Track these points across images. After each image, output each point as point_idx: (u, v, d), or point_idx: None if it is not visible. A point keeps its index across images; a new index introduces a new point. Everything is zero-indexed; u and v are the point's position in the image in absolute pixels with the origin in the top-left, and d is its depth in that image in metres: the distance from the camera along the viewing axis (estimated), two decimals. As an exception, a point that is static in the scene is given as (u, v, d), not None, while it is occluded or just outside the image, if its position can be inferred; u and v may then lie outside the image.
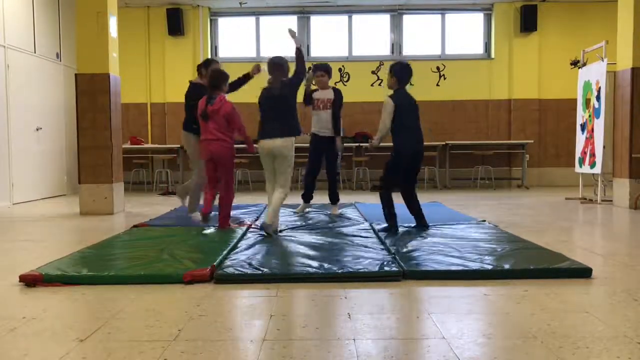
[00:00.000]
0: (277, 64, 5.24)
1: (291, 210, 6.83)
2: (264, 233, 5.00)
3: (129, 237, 5.01)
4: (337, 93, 6.54)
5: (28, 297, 3.21)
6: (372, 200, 8.45)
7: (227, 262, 3.83)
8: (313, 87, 6.56)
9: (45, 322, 2.75)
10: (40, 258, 4.20)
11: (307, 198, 6.76)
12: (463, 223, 5.68)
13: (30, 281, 3.43)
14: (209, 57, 11.36)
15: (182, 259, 3.93)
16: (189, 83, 6.44)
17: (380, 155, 10.92)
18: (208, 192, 5.50)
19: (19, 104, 8.68)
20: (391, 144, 5.29)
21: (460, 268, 3.63)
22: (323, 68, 6.58)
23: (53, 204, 8.65)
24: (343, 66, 11.25)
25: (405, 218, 5.51)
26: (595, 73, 8.07)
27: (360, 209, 6.97)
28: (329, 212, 6.68)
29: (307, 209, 6.84)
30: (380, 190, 5.34)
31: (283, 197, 5.10)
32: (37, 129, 9.21)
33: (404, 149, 5.21)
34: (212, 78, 5.49)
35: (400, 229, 5.21)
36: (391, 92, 5.41)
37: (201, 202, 5.87)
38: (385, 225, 5.30)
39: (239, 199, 7.50)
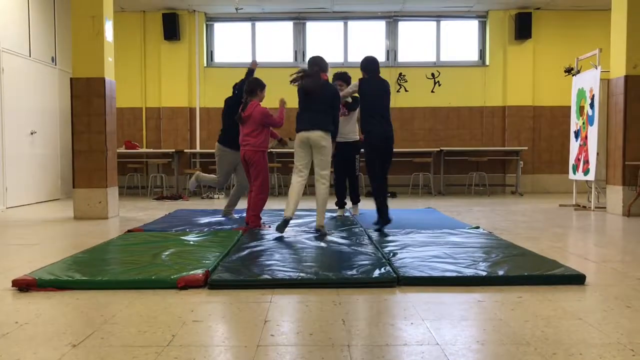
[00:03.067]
0: (316, 62, 5.55)
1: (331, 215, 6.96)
2: (319, 235, 5.29)
3: (123, 242, 5.00)
4: (354, 100, 6.74)
5: (21, 302, 3.19)
6: (367, 206, 8.45)
7: (221, 268, 3.82)
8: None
9: (38, 327, 2.73)
10: (33, 262, 4.18)
11: (341, 204, 7.07)
12: (457, 229, 5.69)
13: (23, 286, 3.42)
14: (205, 62, 11.38)
15: (176, 264, 3.92)
16: (225, 101, 6.88)
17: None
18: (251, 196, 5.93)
19: (14, 107, 8.66)
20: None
21: (454, 274, 3.64)
22: (342, 77, 6.86)
23: (47, 208, 8.61)
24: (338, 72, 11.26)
25: (402, 223, 5.51)
26: (589, 80, 8.11)
27: (356, 214, 6.97)
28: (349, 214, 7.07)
29: (345, 213, 7.08)
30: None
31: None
32: (32, 133, 9.19)
33: (370, 137, 5.65)
34: (249, 85, 5.97)
35: (395, 235, 5.21)
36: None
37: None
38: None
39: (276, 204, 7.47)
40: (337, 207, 7.09)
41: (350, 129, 6.79)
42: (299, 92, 5.45)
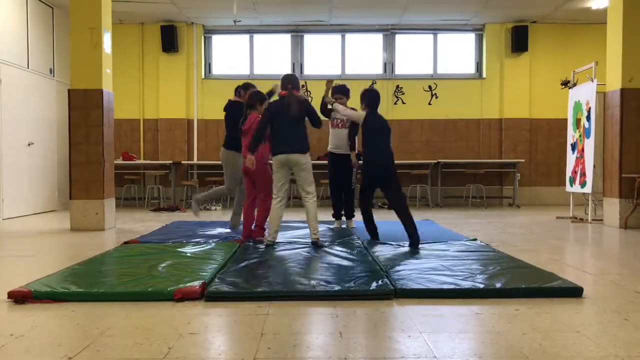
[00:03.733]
0: (290, 80, 5.59)
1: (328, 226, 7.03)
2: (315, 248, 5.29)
3: (119, 253, 4.98)
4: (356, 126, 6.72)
5: (16, 314, 3.18)
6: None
7: (218, 280, 3.80)
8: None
9: (34, 339, 2.72)
10: (29, 274, 4.16)
11: (337, 215, 7.06)
12: (455, 241, 5.69)
13: (19, 297, 3.40)
14: (203, 74, 11.42)
15: (172, 276, 3.91)
16: (228, 101, 6.89)
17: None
18: (247, 206, 5.99)
19: (12, 118, 8.66)
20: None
21: (452, 287, 3.64)
22: (341, 90, 6.90)
23: (44, 219, 8.59)
24: (336, 84, 11.30)
25: (399, 235, 5.50)
26: (585, 93, 8.16)
27: (353, 227, 6.96)
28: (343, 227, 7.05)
29: (342, 225, 7.08)
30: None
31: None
32: (29, 144, 9.18)
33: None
34: (249, 98, 6.01)
35: (392, 247, 5.21)
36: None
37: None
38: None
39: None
40: (334, 219, 7.09)
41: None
42: (267, 113, 5.50)
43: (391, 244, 5.44)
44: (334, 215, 7.09)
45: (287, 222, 7.51)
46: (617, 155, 7.46)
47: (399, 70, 11.56)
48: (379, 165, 5.64)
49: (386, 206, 10.59)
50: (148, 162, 11.04)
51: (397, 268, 4.20)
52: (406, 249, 5.16)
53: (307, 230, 6.62)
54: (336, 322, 3.00)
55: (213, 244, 5.42)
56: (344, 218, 7.08)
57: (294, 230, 6.68)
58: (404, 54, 11.61)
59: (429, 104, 11.40)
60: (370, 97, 5.95)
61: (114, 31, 7.78)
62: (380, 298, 3.47)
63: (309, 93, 11.29)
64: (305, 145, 5.46)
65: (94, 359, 2.44)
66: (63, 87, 9.95)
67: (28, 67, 9.21)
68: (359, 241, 5.72)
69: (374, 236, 5.84)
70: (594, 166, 7.87)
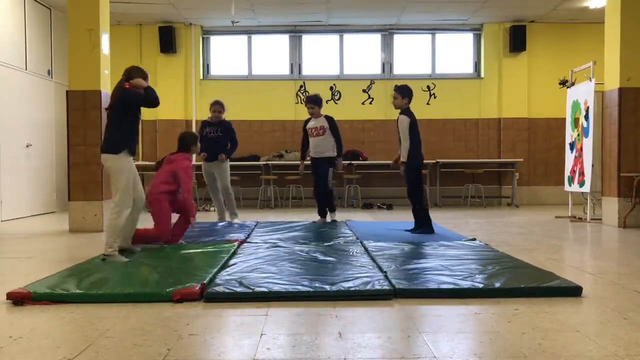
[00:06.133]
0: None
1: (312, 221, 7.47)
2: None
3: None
4: (330, 120, 7.34)
5: (15, 316, 3.17)
6: (364, 217, 8.46)
7: (217, 281, 3.80)
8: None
9: (33, 341, 2.71)
10: (28, 275, 4.15)
11: (321, 213, 7.52)
12: (454, 241, 5.68)
13: (18, 299, 3.39)
14: (201, 75, 11.41)
15: (171, 277, 3.90)
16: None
17: (372, 173, 10.97)
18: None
19: (9, 120, 8.64)
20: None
21: (451, 287, 3.63)
22: (311, 101, 7.40)
23: (42, 220, 8.58)
24: (334, 85, 11.32)
25: (398, 235, 5.49)
26: (583, 93, 8.16)
27: (352, 227, 6.96)
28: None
29: (324, 223, 7.44)
30: (417, 206, 6.34)
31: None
32: (27, 146, 9.17)
33: (420, 159, 6.33)
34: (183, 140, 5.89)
35: (392, 247, 5.21)
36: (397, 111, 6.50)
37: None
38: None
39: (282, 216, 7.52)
40: (319, 217, 7.52)
41: (327, 147, 7.30)
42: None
43: (391, 244, 5.43)
44: (319, 213, 7.53)
45: (288, 222, 7.52)
46: (616, 155, 7.47)
47: (397, 70, 11.56)
48: (422, 159, 6.36)
49: (385, 206, 10.59)
50: (146, 163, 11.02)
51: (396, 268, 4.20)
52: (406, 249, 5.16)
53: (307, 231, 6.64)
54: (335, 323, 3.00)
55: (212, 245, 5.41)
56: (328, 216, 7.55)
57: (294, 231, 6.67)
58: (402, 54, 11.62)
59: (427, 104, 11.40)
60: (409, 90, 6.41)
61: (112, 32, 7.77)
62: (379, 298, 3.47)
63: (307, 93, 11.30)
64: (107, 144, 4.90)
65: (93, 360, 2.44)
66: (61, 89, 9.93)
67: (26, 69, 9.19)
68: (358, 241, 5.71)
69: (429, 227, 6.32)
70: (593, 165, 7.88)
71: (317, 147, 7.34)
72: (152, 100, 4.89)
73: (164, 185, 5.38)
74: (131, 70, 4.95)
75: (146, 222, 5.52)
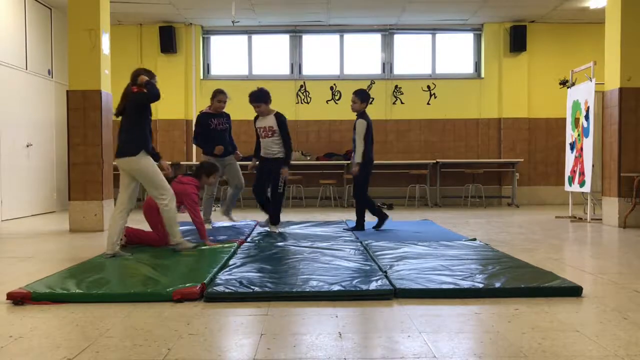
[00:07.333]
0: None
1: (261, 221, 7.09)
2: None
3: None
4: (278, 118, 6.39)
5: (15, 316, 3.17)
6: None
7: (217, 280, 3.80)
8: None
9: (33, 341, 2.71)
10: (28, 275, 4.15)
11: (265, 210, 6.75)
12: (454, 241, 5.68)
13: (18, 299, 3.39)
14: (201, 74, 11.41)
15: (171, 277, 3.90)
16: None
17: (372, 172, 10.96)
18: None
19: (10, 120, 8.65)
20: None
21: (451, 286, 3.63)
22: (253, 99, 6.39)
23: (42, 220, 8.58)
24: (335, 85, 11.32)
25: (398, 235, 5.49)
26: (583, 93, 8.16)
27: (351, 227, 6.96)
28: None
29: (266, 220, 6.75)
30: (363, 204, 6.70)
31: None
32: (28, 145, 9.17)
33: (372, 160, 6.65)
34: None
35: (392, 247, 5.21)
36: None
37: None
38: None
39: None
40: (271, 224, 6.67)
41: (278, 148, 6.33)
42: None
43: (391, 244, 5.43)
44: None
45: (288, 222, 7.51)
46: (616, 155, 7.47)
47: (398, 70, 11.56)
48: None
49: (386, 206, 10.59)
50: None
51: (397, 268, 4.20)
52: (406, 248, 5.15)
53: (307, 230, 6.65)
54: (336, 322, 3.00)
55: (213, 245, 5.40)
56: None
57: (294, 230, 6.67)
58: (403, 54, 11.62)
59: (428, 104, 11.40)
60: (367, 96, 6.77)
61: (112, 32, 7.77)
62: (379, 298, 3.47)
63: (307, 93, 11.30)
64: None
65: (94, 360, 2.44)
66: (61, 89, 9.94)
67: (26, 69, 9.20)
68: (358, 241, 5.72)
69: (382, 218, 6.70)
70: (593, 165, 7.87)
71: (267, 148, 6.42)
72: (153, 94, 4.90)
73: None
74: (138, 73, 5.01)
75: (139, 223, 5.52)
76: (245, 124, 11.13)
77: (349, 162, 10.67)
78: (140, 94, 4.90)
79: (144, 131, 4.95)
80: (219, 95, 6.92)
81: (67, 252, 5.60)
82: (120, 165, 4.93)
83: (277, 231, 6.54)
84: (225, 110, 7.11)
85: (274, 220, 6.60)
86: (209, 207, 7.05)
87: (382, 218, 6.74)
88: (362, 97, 6.66)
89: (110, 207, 7.44)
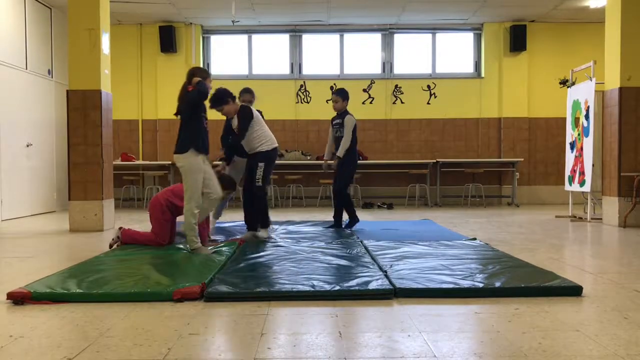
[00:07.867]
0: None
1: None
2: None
3: (118, 254, 4.97)
4: (238, 112, 5.87)
5: (15, 315, 3.17)
6: (364, 217, 8.45)
7: (218, 280, 3.80)
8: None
9: (33, 340, 2.71)
10: (28, 275, 4.15)
11: (249, 224, 6.14)
12: (454, 241, 5.69)
13: (18, 298, 3.39)
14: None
15: (171, 276, 3.90)
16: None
17: (372, 172, 10.96)
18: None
19: (10, 120, 8.65)
20: None
21: (451, 286, 3.63)
22: (214, 103, 5.90)
23: (42, 220, 8.58)
24: (335, 84, 11.30)
25: (398, 235, 5.49)
26: (583, 92, 8.16)
27: (346, 224, 6.96)
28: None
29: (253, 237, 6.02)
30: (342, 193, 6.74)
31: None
32: (28, 145, 9.17)
33: (357, 158, 6.90)
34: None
35: (392, 246, 5.21)
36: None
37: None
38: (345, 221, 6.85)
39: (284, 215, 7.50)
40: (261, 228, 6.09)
41: (254, 143, 5.83)
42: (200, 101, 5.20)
43: (391, 244, 5.43)
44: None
45: (288, 222, 7.52)
46: (616, 154, 7.47)
47: (398, 69, 11.56)
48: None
49: (385, 206, 10.60)
50: (147, 162, 11.03)
51: (397, 268, 4.20)
52: (406, 248, 5.15)
53: (307, 230, 6.65)
54: (336, 322, 3.00)
55: (213, 245, 5.41)
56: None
57: (294, 230, 6.67)
58: (403, 53, 11.62)
59: (428, 103, 11.40)
60: (348, 95, 6.83)
61: (112, 32, 7.77)
62: (379, 298, 3.47)
63: (307, 93, 11.30)
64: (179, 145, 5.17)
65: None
66: (61, 88, 9.94)
67: (26, 68, 9.19)
68: (358, 241, 5.71)
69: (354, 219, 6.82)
70: (593, 165, 7.87)
71: (247, 145, 5.92)
72: (200, 92, 5.05)
73: (175, 197, 5.40)
74: (193, 72, 5.20)
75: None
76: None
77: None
78: (189, 92, 5.07)
79: (194, 130, 5.14)
80: (245, 95, 6.53)
81: (67, 252, 5.60)
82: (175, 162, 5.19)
83: (266, 236, 5.94)
84: None
85: (264, 223, 5.98)
86: (220, 206, 6.67)
87: (355, 220, 6.85)
88: (344, 95, 6.77)
89: (111, 207, 7.44)
